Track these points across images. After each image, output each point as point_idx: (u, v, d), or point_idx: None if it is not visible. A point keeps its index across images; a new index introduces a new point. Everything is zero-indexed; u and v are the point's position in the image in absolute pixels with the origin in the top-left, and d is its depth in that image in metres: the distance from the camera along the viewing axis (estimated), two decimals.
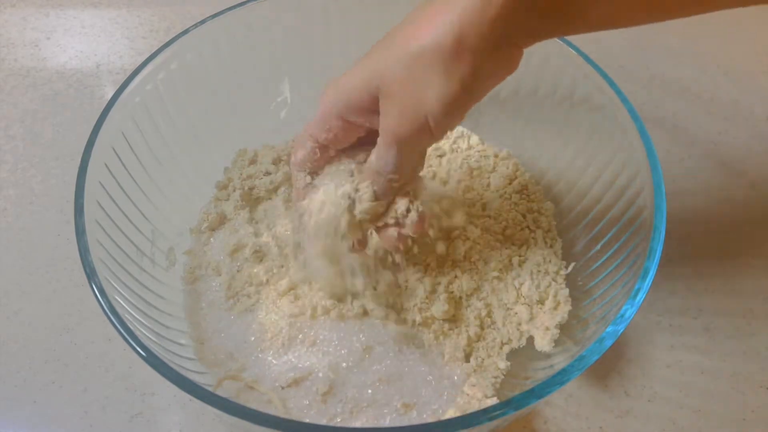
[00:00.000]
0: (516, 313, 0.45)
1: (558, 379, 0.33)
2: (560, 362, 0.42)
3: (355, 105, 0.36)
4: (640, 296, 0.36)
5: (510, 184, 0.52)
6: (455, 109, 0.34)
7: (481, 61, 0.33)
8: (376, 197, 0.39)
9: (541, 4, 0.33)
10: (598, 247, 0.46)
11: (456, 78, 0.33)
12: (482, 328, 0.44)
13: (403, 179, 0.38)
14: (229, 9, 0.51)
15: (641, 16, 0.35)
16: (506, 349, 0.44)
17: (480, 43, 0.32)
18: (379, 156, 0.37)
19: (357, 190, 0.39)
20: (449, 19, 0.32)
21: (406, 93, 0.34)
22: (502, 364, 0.43)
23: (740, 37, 0.71)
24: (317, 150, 0.40)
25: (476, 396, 0.41)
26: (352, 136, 0.39)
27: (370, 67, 0.35)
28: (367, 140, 0.40)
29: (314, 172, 0.41)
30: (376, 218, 0.40)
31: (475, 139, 0.55)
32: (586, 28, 0.35)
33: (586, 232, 0.48)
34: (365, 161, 0.39)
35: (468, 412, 0.39)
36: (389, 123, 0.35)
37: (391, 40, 0.35)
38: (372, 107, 0.36)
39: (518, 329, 0.44)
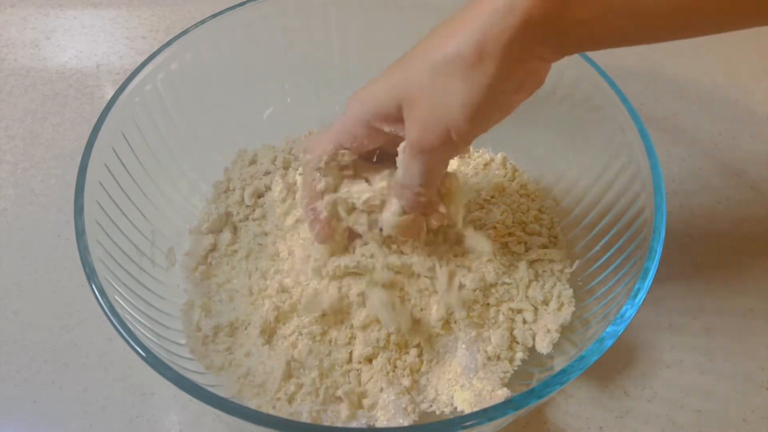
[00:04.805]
0: (519, 312, 0.44)
1: (558, 379, 0.33)
2: (560, 362, 0.42)
3: (382, 113, 0.36)
4: (640, 296, 0.36)
5: (509, 185, 0.52)
6: (477, 118, 0.34)
7: (503, 70, 0.32)
8: (404, 211, 0.39)
9: (563, 22, 0.31)
10: (598, 247, 0.46)
11: (476, 85, 0.33)
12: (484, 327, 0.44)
13: (431, 192, 0.39)
14: (229, 9, 0.51)
15: (662, 35, 0.33)
16: (518, 348, 0.44)
17: (501, 51, 0.32)
18: (405, 169, 0.37)
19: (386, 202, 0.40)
20: (471, 28, 0.32)
21: (429, 102, 0.34)
22: (519, 355, 0.43)
23: (740, 37, 0.71)
24: (340, 152, 0.40)
25: (486, 388, 0.41)
26: (376, 142, 0.39)
27: (396, 76, 0.35)
28: (384, 156, 0.41)
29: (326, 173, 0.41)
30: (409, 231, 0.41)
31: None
32: (608, 45, 0.34)
33: (586, 232, 0.48)
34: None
35: (478, 404, 0.39)
36: (413, 134, 0.35)
37: (418, 51, 0.35)
38: (398, 115, 0.36)
39: (523, 329, 0.44)
